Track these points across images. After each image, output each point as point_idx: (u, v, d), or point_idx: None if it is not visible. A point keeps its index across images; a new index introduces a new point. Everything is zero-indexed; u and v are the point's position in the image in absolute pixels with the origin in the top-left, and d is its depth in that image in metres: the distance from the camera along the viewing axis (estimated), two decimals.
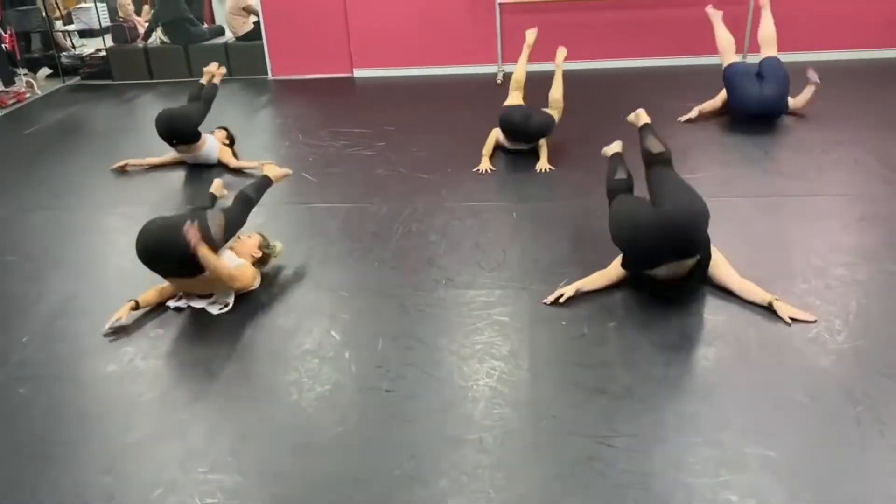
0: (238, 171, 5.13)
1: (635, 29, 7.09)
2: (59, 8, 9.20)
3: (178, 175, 5.20)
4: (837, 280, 3.37)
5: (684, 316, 3.17)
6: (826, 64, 6.91)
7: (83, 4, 8.81)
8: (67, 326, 3.38)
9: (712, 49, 5.71)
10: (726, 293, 3.30)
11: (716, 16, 5.56)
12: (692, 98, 5.95)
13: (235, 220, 3.62)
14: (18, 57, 7.90)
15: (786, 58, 6.94)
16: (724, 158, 4.84)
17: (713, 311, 3.18)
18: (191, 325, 3.37)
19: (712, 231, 3.88)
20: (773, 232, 3.88)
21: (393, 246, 3.95)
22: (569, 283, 3.45)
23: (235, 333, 3.26)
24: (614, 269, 3.39)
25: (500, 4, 7.08)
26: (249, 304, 3.47)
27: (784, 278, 3.40)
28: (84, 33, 8.94)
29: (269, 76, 7.78)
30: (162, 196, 4.85)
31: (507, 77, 6.98)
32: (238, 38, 8.00)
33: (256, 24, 7.81)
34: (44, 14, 8.28)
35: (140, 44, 8.20)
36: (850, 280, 3.36)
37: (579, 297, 3.33)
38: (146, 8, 9.09)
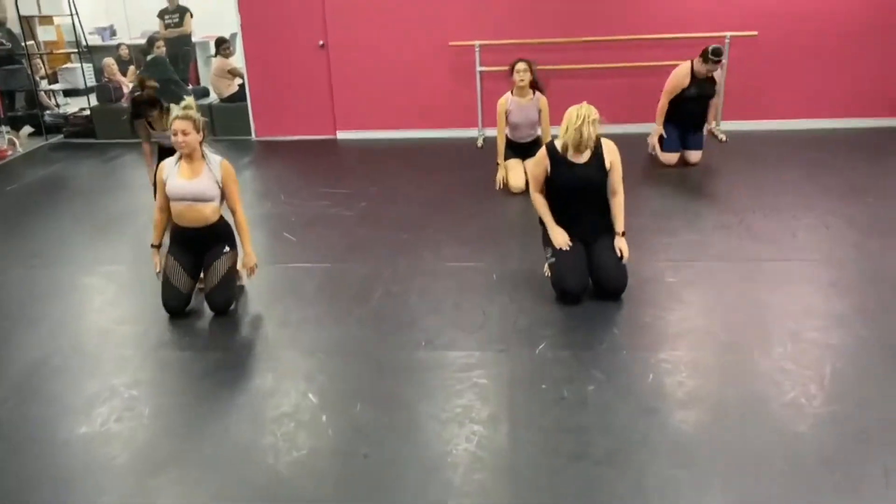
0: None
1: (607, 95, 7.26)
2: (44, 67, 9.29)
3: (138, 229, 5.19)
4: (812, 344, 3.41)
5: (662, 378, 3.19)
6: (796, 133, 7.13)
7: (69, 65, 8.92)
8: (41, 387, 3.32)
9: None
10: (704, 356, 3.33)
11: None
12: (659, 162, 6.14)
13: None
14: (1, 115, 7.93)
15: (759, 126, 7.20)
16: (699, 223, 4.94)
17: (691, 375, 3.20)
18: (165, 385, 3.33)
19: (690, 295, 3.94)
20: (748, 296, 3.93)
21: (372, 307, 3.96)
22: (547, 345, 3.48)
23: (211, 395, 3.22)
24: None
25: (480, 72, 7.26)
26: (226, 364, 3.45)
27: (760, 342, 3.44)
28: (69, 92, 9.02)
29: (253, 137, 7.87)
30: (144, 254, 4.83)
31: (488, 141, 7.13)
32: (223, 100, 8.10)
33: (241, 86, 7.93)
34: (29, 73, 8.36)
35: (125, 103, 8.28)
36: (825, 344, 3.41)
37: (558, 359, 3.35)
38: (132, 68, 9.21)
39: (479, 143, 7.24)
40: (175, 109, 3.80)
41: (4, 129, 7.93)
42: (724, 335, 3.52)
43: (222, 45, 8.15)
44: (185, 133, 3.77)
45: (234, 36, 8.15)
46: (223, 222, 4.00)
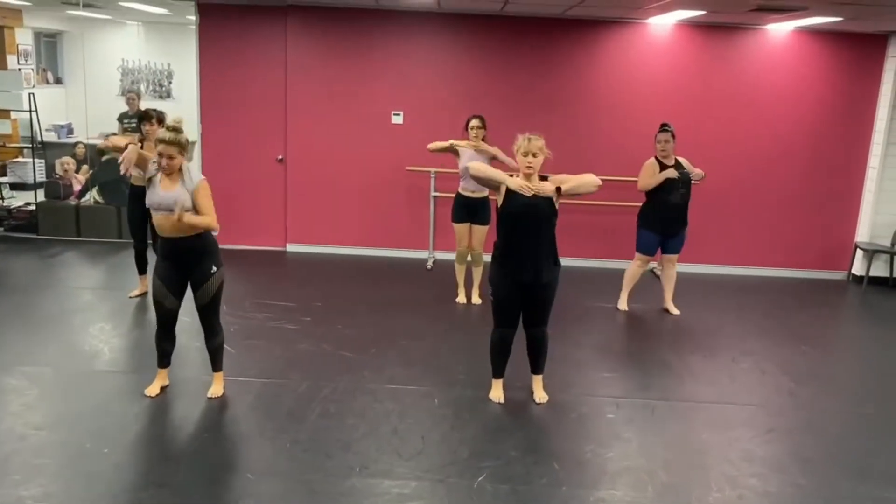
0: None
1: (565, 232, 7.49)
2: None
3: (85, 335, 5.00)
4: (750, 490, 3.39)
5: None
6: (731, 278, 7.40)
7: (20, 159, 8.83)
8: None
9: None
10: (643, 497, 3.28)
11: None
12: (611, 297, 6.26)
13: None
14: None
15: (696, 269, 7.45)
16: (641, 361, 4.99)
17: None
18: (78, 500, 3.09)
19: (630, 432, 3.92)
20: (687, 437, 3.93)
21: (308, 427, 3.82)
22: (487, 478, 3.38)
23: None
24: None
25: (434, 197, 7.43)
26: (147, 479, 3.24)
27: (698, 486, 3.41)
28: (15, 186, 8.87)
29: None
30: (72, 356, 4.63)
31: (438, 263, 7.21)
32: None
33: None
34: None
35: (73, 201, 8.17)
36: (762, 491, 3.39)
37: (497, 493, 3.25)
38: (85, 167, 9.16)
39: (429, 265, 7.30)
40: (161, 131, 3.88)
41: None
42: (663, 476, 3.49)
43: None
44: (171, 158, 3.80)
45: (192, 143, 8.23)
46: (209, 238, 3.98)
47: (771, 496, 3.36)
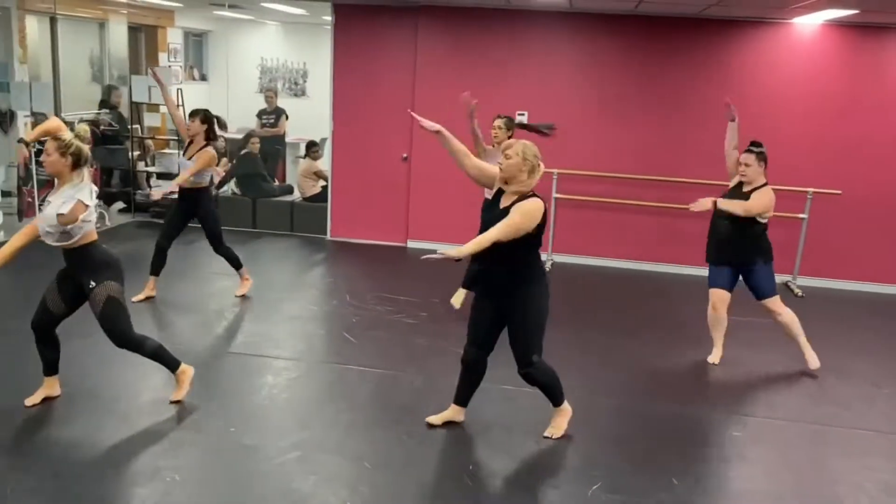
0: None
1: (673, 236, 7.24)
2: (148, 150, 9.86)
3: (221, 319, 5.28)
4: None
5: None
6: (879, 296, 6.88)
7: (166, 150, 9.45)
8: (94, 461, 3.32)
9: None
10: None
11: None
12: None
13: None
14: (97, 189, 8.38)
15: (838, 285, 6.99)
16: (771, 378, 4.73)
17: None
18: (206, 473, 3.27)
19: (756, 452, 3.72)
20: (818, 461, 3.70)
21: (422, 420, 3.86)
22: (601, 487, 3.30)
23: (248, 491, 3.15)
24: None
25: (555, 198, 7.36)
26: (269, 459, 3.38)
27: None
28: (162, 175, 9.52)
29: (328, 236, 8.08)
30: (203, 337, 4.90)
31: (556, 265, 7.12)
32: (305, 199, 8.40)
33: (324, 188, 8.22)
34: (130, 154, 8.88)
35: (212, 191, 8.66)
36: None
37: None
38: (224, 160, 9.69)
39: (548, 266, 7.24)
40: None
41: (96, 202, 8.35)
42: (790, 501, 3.29)
43: (312, 148, 8.52)
44: (47, 153, 3.55)
45: (323, 140, 8.53)
46: (84, 252, 3.82)
47: None
